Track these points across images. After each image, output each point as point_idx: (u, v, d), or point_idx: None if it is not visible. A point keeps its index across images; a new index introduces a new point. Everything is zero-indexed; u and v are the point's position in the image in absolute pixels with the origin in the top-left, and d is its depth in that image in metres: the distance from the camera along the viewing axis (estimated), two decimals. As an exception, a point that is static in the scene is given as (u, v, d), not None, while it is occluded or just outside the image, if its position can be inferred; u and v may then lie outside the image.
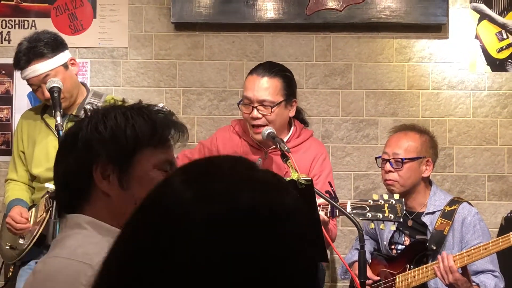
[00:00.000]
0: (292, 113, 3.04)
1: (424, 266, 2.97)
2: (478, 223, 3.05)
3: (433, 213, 3.09)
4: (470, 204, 3.16)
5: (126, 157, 1.51)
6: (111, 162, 1.50)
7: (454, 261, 2.83)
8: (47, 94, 3.07)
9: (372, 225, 2.80)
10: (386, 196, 2.66)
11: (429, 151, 3.14)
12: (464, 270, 2.83)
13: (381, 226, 2.79)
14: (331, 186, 2.71)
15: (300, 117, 3.16)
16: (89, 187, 1.50)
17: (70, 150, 1.52)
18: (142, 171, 1.51)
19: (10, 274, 3.29)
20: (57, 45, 3.18)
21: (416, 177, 3.09)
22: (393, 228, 2.76)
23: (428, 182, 3.18)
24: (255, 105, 2.96)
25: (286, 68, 3.10)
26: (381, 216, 2.61)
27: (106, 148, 1.49)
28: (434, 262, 2.94)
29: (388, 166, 3.09)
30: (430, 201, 3.11)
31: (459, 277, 2.81)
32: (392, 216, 2.61)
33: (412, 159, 3.08)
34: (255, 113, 2.95)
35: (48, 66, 3.13)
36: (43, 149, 3.19)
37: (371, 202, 2.63)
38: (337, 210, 2.60)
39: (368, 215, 2.61)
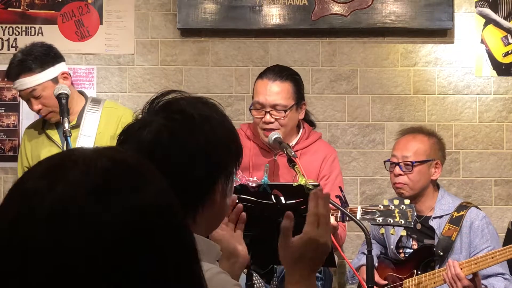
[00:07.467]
0: (301, 115, 3.06)
1: (432, 272, 2.96)
2: (486, 227, 3.03)
3: (440, 217, 3.08)
4: (478, 208, 3.15)
5: (236, 166, 1.47)
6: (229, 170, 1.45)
7: (461, 269, 2.82)
8: (35, 107, 3.19)
9: (382, 230, 2.76)
10: (396, 202, 2.64)
11: (438, 153, 3.13)
12: (475, 277, 2.82)
13: (391, 231, 2.76)
14: (341, 190, 2.70)
15: (307, 118, 3.17)
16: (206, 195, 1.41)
17: (194, 164, 1.40)
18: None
19: None
20: (47, 60, 3.21)
21: (425, 180, 3.08)
22: (404, 233, 2.74)
23: (435, 185, 3.17)
24: (268, 109, 2.97)
25: (295, 71, 3.13)
26: (392, 221, 2.59)
27: (231, 159, 1.45)
28: (441, 269, 2.93)
29: (397, 170, 3.07)
30: (438, 205, 3.10)
31: (467, 284, 2.79)
32: (403, 221, 2.59)
33: (422, 162, 3.06)
34: (268, 117, 2.96)
35: (35, 81, 3.18)
36: None
37: (382, 207, 2.62)
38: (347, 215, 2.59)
39: (379, 220, 2.59)
